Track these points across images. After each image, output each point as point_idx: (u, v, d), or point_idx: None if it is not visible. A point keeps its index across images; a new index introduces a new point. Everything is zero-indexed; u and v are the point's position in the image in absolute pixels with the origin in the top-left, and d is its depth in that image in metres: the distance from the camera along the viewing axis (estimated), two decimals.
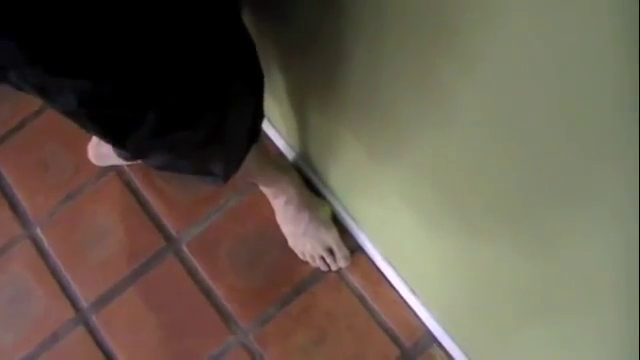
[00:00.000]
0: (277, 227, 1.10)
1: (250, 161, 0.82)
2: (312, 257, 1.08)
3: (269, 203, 1.10)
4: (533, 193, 0.47)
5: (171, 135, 0.63)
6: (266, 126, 1.16)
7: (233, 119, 0.68)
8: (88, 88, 0.52)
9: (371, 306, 1.07)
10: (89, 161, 1.16)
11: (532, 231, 0.52)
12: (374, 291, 1.07)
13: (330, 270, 1.09)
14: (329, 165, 1.01)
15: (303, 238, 1.07)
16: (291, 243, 1.10)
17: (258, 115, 0.77)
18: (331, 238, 1.07)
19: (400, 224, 0.84)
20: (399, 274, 1.05)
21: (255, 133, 0.80)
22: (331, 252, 1.07)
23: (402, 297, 1.06)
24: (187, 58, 0.56)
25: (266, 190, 1.08)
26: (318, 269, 1.09)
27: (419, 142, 0.60)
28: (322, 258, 1.08)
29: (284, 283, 1.09)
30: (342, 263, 1.08)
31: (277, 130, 1.16)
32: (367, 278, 1.08)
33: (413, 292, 1.03)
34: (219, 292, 1.10)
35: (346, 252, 1.08)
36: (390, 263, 1.06)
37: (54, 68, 0.49)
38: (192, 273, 1.12)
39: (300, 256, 1.09)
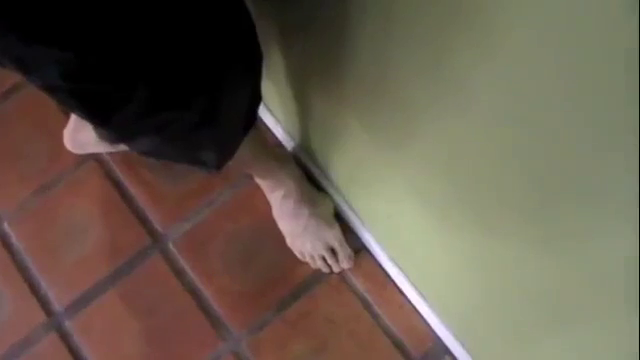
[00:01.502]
0: (274, 224, 1.12)
1: (245, 149, 0.83)
2: (312, 257, 1.09)
3: (265, 197, 1.12)
4: (553, 187, 0.49)
5: (161, 115, 0.64)
6: (264, 113, 1.17)
7: (228, 100, 0.70)
8: (71, 60, 0.52)
9: (376, 311, 1.09)
10: (65, 148, 1.16)
11: (552, 228, 0.54)
12: (379, 295, 1.09)
13: (332, 271, 1.11)
14: (332, 156, 1.02)
15: (302, 236, 1.08)
16: (289, 242, 1.11)
17: (255, 98, 0.78)
18: (333, 236, 1.08)
19: (409, 221, 0.86)
20: (407, 276, 1.06)
21: (251, 117, 0.81)
22: (333, 252, 1.09)
23: (410, 302, 1.08)
24: (181, 31, 0.57)
25: (262, 183, 1.10)
26: (318, 270, 1.11)
27: (431, 131, 0.62)
28: (323, 258, 1.09)
29: (281, 285, 1.11)
30: (345, 264, 1.09)
31: (276, 118, 1.17)
32: (372, 280, 1.10)
33: (422, 296, 1.05)
34: (209, 295, 1.12)
35: (349, 252, 1.09)
36: (397, 264, 1.07)
37: (31, 36, 0.49)
38: (179, 274, 1.13)
39: (299, 256, 1.11)
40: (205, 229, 1.16)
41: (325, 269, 1.10)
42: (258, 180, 1.10)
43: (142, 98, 0.60)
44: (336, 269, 1.10)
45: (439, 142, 0.62)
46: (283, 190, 1.06)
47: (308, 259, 1.10)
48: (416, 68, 0.56)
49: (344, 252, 1.09)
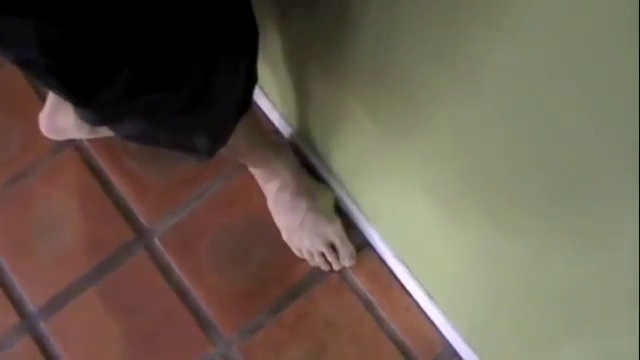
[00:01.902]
0: (269, 218, 1.13)
1: (239, 136, 0.84)
2: (310, 254, 1.10)
3: (260, 189, 1.13)
4: (573, 181, 0.50)
5: (148, 96, 0.64)
6: (259, 97, 1.18)
7: (221, 81, 0.70)
8: (51, 33, 0.52)
9: (380, 314, 1.10)
10: (41, 134, 1.16)
11: (571, 225, 0.54)
12: (384, 296, 1.10)
13: (332, 270, 1.11)
14: (333, 145, 1.03)
15: (300, 231, 1.09)
16: (286, 237, 1.12)
17: (250, 79, 0.79)
18: (333, 232, 1.09)
19: (416, 216, 0.86)
20: (414, 276, 1.07)
21: (246, 100, 0.82)
22: (333, 248, 1.10)
23: (417, 303, 1.09)
24: (171, 4, 0.57)
25: (257, 173, 1.10)
26: (317, 269, 1.12)
27: (442, 119, 0.63)
28: (322, 255, 1.10)
29: (276, 285, 1.12)
30: (346, 262, 1.10)
31: (272, 102, 1.17)
32: (375, 280, 1.11)
33: (430, 298, 1.06)
34: (198, 295, 1.12)
35: (351, 249, 1.10)
36: (403, 263, 1.08)
37: (7, 6, 0.49)
38: (166, 272, 1.14)
39: (296, 253, 1.12)
40: (194, 223, 1.16)
41: (324, 267, 1.11)
42: (252, 170, 1.11)
43: (128, 77, 0.60)
44: (336, 267, 1.11)
45: (449, 132, 0.63)
46: (279, 181, 1.07)
47: (306, 256, 1.11)
48: (425, 52, 0.57)
49: (345, 249, 1.09)
